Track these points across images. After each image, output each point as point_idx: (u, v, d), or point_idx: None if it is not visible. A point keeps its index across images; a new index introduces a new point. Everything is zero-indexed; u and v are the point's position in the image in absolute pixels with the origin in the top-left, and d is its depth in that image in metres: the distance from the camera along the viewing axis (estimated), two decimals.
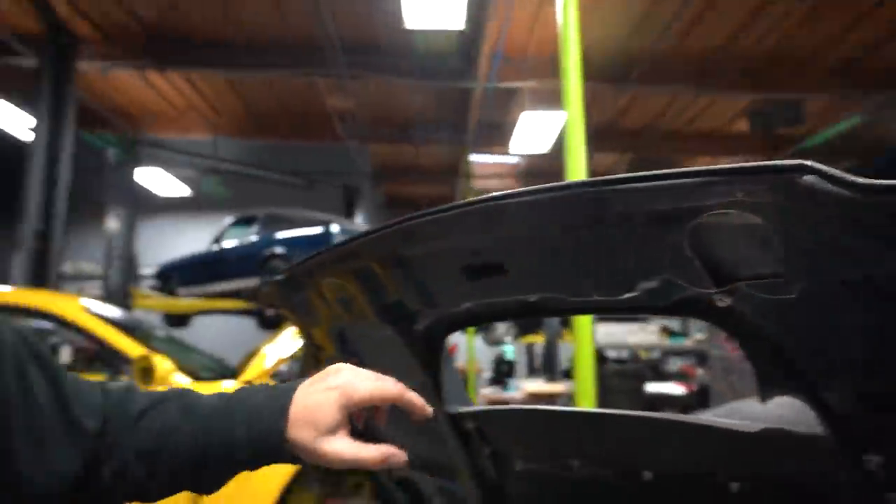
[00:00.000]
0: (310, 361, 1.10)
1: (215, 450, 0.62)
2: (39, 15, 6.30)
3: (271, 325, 6.49)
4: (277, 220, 6.78)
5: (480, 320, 0.87)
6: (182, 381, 2.52)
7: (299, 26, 7.06)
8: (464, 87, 7.91)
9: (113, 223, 8.37)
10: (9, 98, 7.40)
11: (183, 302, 7.33)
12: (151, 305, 7.63)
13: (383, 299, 0.85)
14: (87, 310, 2.84)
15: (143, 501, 0.63)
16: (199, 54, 7.60)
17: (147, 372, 2.31)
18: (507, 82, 7.38)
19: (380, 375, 0.66)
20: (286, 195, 9.84)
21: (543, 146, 8.68)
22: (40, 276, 6.16)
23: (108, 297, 7.79)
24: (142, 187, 9.86)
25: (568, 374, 9.96)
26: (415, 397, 0.66)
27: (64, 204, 6.51)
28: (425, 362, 0.95)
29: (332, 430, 0.61)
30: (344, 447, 0.61)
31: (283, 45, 7.49)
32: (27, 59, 6.70)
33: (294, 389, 0.64)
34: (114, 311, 3.28)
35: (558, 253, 0.64)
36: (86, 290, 9.60)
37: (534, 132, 8.09)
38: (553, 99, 6.91)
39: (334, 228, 5.64)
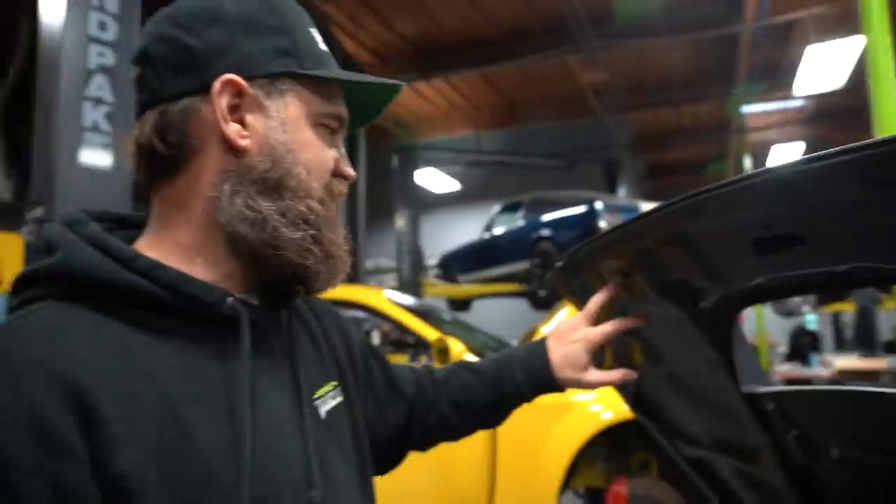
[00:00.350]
0: None
1: (507, 395, 0.89)
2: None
3: (543, 305, 6.73)
4: (542, 203, 6.97)
5: (775, 295, 0.81)
6: (472, 359, 2.79)
7: (545, 10, 7.14)
8: (728, 32, 7.12)
9: (401, 221, 9.53)
10: None
11: (464, 287, 8.02)
12: (438, 292, 8.51)
13: (666, 278, 0.85)
14: (391, 300, 3.30)
15: (454, 440, 0.92)
16: (456, 57, 8.19)
17: (443, 353, 2.61)
18: (783, 15, 6.43)
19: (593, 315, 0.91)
20: (548, 178, 10.05)
21: (834, 82, 7.35)
22: (353, 273, 7.34)
23: (402, 287, 8.92)
24: (420, 187, 11.01)
25: (891, 348, 8.35)
26: (628, 323, 0.90)
27: (363, 211, 7.63)
28: (714, 339, 0.91)
29: (585, 368, 0.88)
30: (596, 376, 0.89)
31: (532, 31, 7.65)
32: None
33: (544, 344, 0.91)
34: (410, 300, 3.76)
35: (874, 217, 0.57)
36: (383, 282, 11.13)
37: (821, 68, 6.90)
38: (845, 24, 5.83)
39: (598, 206, 5.60)
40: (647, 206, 6.07)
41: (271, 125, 0.60)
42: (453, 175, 11.66)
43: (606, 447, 2.85)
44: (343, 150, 0.68)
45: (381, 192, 10.28)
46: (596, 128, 9.88)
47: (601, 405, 2.61)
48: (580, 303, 1.07)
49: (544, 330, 2.97)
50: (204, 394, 0.54)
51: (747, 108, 9.82)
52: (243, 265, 0.61)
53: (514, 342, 4.96)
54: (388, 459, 0.87)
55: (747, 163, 10.02)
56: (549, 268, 1.00)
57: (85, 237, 0.56)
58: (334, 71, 0.65)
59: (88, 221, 0.58)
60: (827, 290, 0.91)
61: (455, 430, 0.91)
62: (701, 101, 9.40)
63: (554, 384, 0.88)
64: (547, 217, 6.33)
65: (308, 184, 0.61)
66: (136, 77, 0.63)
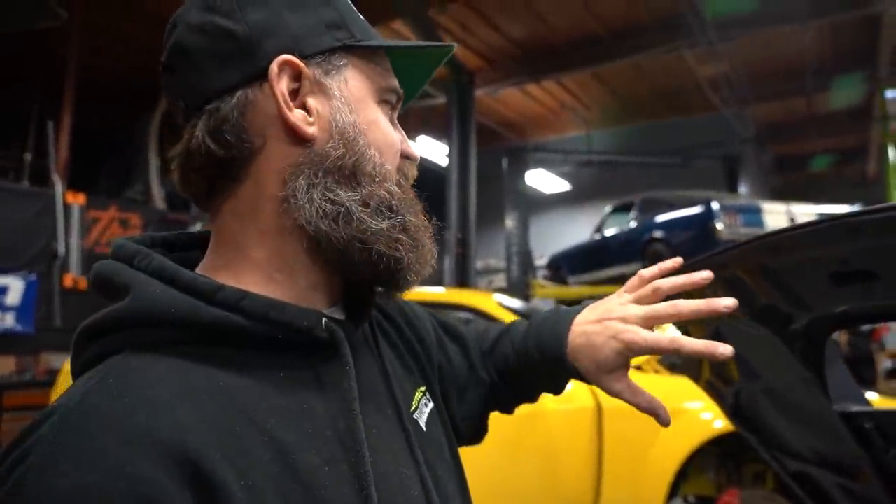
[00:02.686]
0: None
1: (525, 368, 0.74)
2: (446, 63, 7.71)
3: None
4: (654, 203, 6.80)
5: (863, 321, 0.86)
6: None
7: (658, 4, 6.95)
8: (870, 13, 6.56)
9: (510, 222, 9.65)
10: (429, 133, 9.25)
11: (573, 289, 7.99)
12: (547, 294, 8.53)
13: (755, 303, 0.92)
14: (500, 304, 3.44)
15: (505, 411, 0.81)
16: (566, 57, 8.17)
17: None
18: None
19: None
20: (663, 176, 9.75)
21: None
22: (462, 274, 7.57)
23: (511, 288, 9.03)
24: (531, 188, 11.05)
25: None
26: (695, 344, 0.62)
27: (474, 212, 7.83)
28: (806, 359, 0.96)
29: (611, 371, 0.66)
30: (619, 388, 0.67)
31: (644, 26, 7.48)
32: (437, 99, 8.28)
33: (569, 320, 0.71)
34: (519, 304, 3.87)
35: None
36: (493, 282, 11.29)
37: None
38: None
39: (714, 206, 5.39)
40: (771, 206, 5.76)
41: (336, 105, 0.53)
42: (563, 175, 11.60)
43: (718, 456, 2.82)
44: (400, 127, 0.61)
45: (492, 194, 10.44)
46: (713, 122, 9.45)
47: (712, 413, 2.59)
48: (676, 323, 1.15)
49: None
50: (314, 433, 0.48)
51: (890, 94, 8.96)
52: (328, 273, 0.54)
53: None
54: (480, 433, 0.79)
55: (892, 154, 9.13)
56: None
57: (153, 272, 0.49)
58: (389, 40, 0.57)
59: (149, 253, 0.50)
60: None
61: (506, 402, 0.80)
62: (837, 87, 8.70)
63: (571, 371, 0.70)
64: (660, 218, 6.17)
65: (383, 166, 0.55)
66: (168, 80, 0.55)
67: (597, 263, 7.37)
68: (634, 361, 2.79)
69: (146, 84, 7.84)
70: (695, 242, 5.39)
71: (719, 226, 5.22)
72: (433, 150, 9.34)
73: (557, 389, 0.77)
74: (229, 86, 0.51)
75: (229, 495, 0.40)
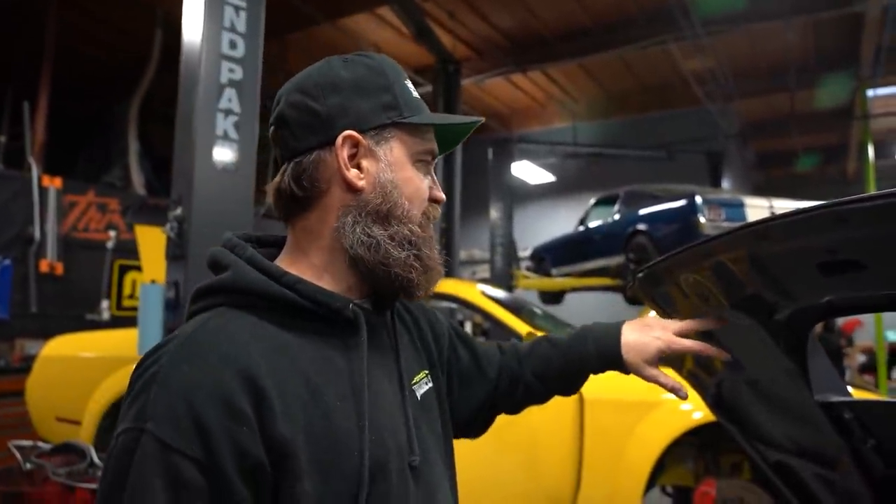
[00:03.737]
0: None
1: (578, 364, 1.00)
2: (432, 51, 7.66)
3: (637, 300, 6.60)
4: (638, 196, 6.81)
5: (846, 312, 0.86)
6: None
7: None
8: (853, 11, 6.63)
9: (495, 213, 9.64)
10: None
11: (556, 280, 8.02)
12: (530, 285, 8.54)
13: (740, 293, 0.91)
14: (484, 293, 3.44)
15: (541, 403, 1.06)
16: (553, 48, 8.15)
17: None
18: None
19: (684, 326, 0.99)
20: (647, 170, 9.78)
21: None
22: (446, 265, 7.54)
23: (494, 278, 9.03)
24: (516, 179, 11.05)
25: None
26: (711, 349, 0.98)
27: (459, 203, 7.80)
28: (789, 350, 0.96)
29: (651, 362, 0.97)
30: (656, 373, 0.97)
31: (632, 19, 7.49)
32: (424, 87, 8.22)
33: (620, 326, 1.00)
34: (502, 294, 3.87)
35: None
36: (477, 272, 11.30)
37: None
38: None
39: (698, 200, 5.41)
40: (753, 201, 5.81)
41: (381, 167, 0.75)
42: (548, 167, 11.61)
43: (696, 447, 2.84)
44: (435, 177, 0.83)
45: (477, 184, 10.43)
46: (698, 117, 9.51)
47: (691, 405, 2.61)
48: (662, 311, 1.15)
49: None
50: (335, 378, 0.71)
51: (872, 92, 9.07)
52: (360, 278, 0.77)
53: None
54: (478, 426, 1.03)
55: (872, 152, 9.26)
56: (636, 271, 1.08)
57: (246, 259, 0.73)
58: (426, 116, 0.79)
59: (245, 246, 0.75)
60: (893, 310, 0.92)
61: (540, 397, 1.04)
62: (819, 85, 8.79)
63: (620, 362, 0.98)
64: (643, 211, 6.19)
65: (410, 211, 0.77)
66: (274, 136, 0.79)
67: (580, 255, 7.38)
68: None
69: (125, 68, 7.70)
70: (678, 236, 5.41)
71: (702, 219, 5.25)
72: None
73: (576, 390, 1.05)
74: (309, 147, 0.75)
75: (270, 400, 0.64)
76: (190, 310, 0.75)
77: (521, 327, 3.10)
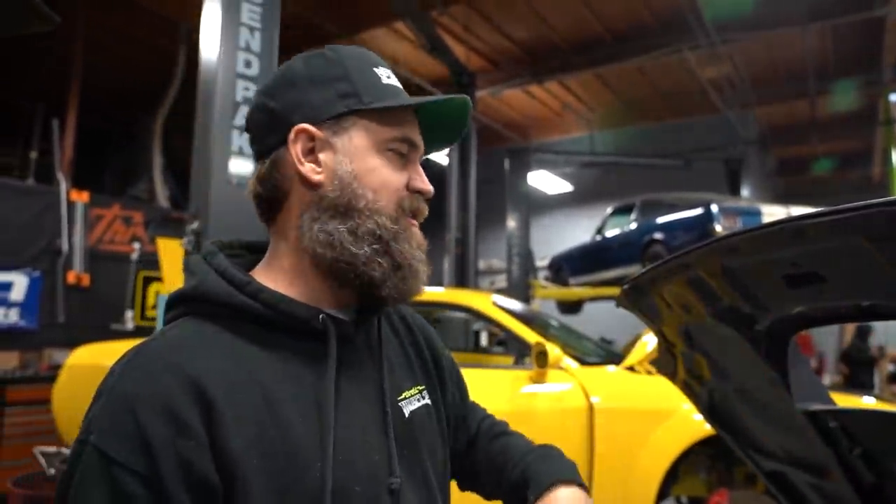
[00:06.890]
0: (665, 354, 1.24)
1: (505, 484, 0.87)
2: (445, 64, 7.74)
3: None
4: (655, 205, 6.80)
5: (820, 322, 0.88)
6: (571, 364, 2.88)
7: (661, 6, 6.97)
8: (873, 16, 6.56)
9: (512, 223, 9.66)
10: None
11: (574, 290, 8.00)
12: (548, 294, 8.54)
13: (718, 304, 0.94)
14: (496, 304, 3.47)
15: (484, 497, 0.94)
16: (569, 58, 8.18)
17: (542, 356, 2.73)
18: None
19: None
20: (665, 178, 9.73)
21: None
22: (461, 275, 7.59)
23: (511, 288, 9.04)
24: (532, 188, 11.06)
25: None
26: None
27: (474, 213, 7.84)
28: (771, 359, 0.99)
29: None
30: None
31: (647, 28, 7.49)
32: None
33: (559, 484, 0.81)
34: (516, 305, 3.90)
35: (873, 263, 0.65)
36: (495, 282, 11.30)
37: None
38: None
39: (714, 209, 5.39)
40: (771, 209, 5.76)
41: (339, 159, 0.70)
42: (565, 177, 11.60)
43: (709, 457, 2.84)
44: (419, 168, 0.76)
45: (494, 194, 10.46)
46: (716, 125, 9.45)
47: None
48: (650, 322, 1.18)
49: (645, 338, 3.00)
50: (298, 394, 0.66)
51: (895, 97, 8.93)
52: (331, 284, 0.72)
53: (622, 346, 4.95)
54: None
55: (895, 157, 9.10)
56: (623, 283, 1.11)
57: (214, 267, 0.70)
58: (390, 99, 0.72)
59: (218, 253, 0.73)
60: (863, 320, 0.94)
61: (482, 490, 0.93)
62: (840, 91, 8.68)
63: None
64: (660, 220, 6.18)
65: (376, 203, 0.70)
66: (249, 140, 0.78)
67: (597, 264, 7.38)
68: (627, 362, 2.81)
69: (150, 83, 7.91)
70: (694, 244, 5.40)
71: (718, 228, 5.23)
72: None
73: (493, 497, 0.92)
74: (269, 148, 0.73)
75: (220, 412, 0.60)
76: (165, 319, 0.73)
77: (532, 337, 3.13)
